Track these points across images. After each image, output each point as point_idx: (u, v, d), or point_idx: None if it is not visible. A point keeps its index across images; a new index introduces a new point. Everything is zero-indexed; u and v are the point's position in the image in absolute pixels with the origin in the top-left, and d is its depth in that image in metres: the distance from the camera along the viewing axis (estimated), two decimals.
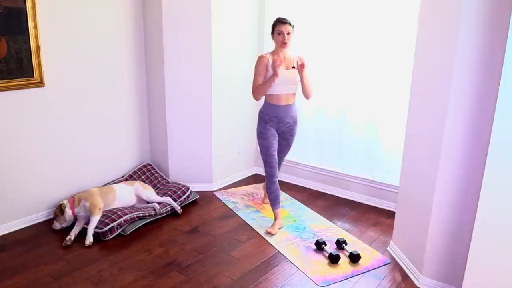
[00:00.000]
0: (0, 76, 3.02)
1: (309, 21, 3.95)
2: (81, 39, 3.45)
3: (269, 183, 3.35)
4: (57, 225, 3.25)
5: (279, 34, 3.12)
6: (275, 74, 3.04)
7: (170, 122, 3.96)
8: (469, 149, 2.35)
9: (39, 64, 3.19)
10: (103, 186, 3.66)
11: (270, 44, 4.12)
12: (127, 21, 3.76)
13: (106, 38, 3.63)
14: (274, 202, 3.38)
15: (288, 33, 3.12)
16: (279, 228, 3.37)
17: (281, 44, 3.14)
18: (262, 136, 3.28)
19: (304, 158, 4.28)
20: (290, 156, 4.29)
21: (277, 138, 3.33)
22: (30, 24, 3.09)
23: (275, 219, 3.40)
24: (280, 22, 3.13)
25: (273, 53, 3.22)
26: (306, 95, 3.30)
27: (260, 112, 3.31)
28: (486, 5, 2.15)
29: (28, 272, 2.76)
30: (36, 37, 3.14)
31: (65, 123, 3.47)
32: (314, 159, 4.23)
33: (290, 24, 3.12)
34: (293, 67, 3.19)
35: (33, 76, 3.19)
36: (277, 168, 3.37)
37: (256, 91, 3.20)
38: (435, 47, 2.50)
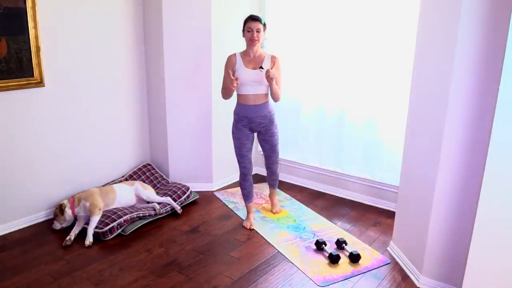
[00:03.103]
0: (0, 76, 3.02)
1: (309, 21, 3.95)
2: (81, 39, 3.45)
3: (242, 181, 3.41)
4: (57, 225, 3.25)
5: (248, 31, 3.07)
6: (229, 86, 3.08)
7: (170, 122, 3.96)
8: (469, 149, 2.35)
9: (39, 64, 3.19)
10: (103, 186, 3.66)
11: (269, 44, 4.15)
12: (127, 20, 3.76)
13: (106, 38, 3.63)
14: (246, 197, 3.47)
15: (258, 31, 3.06)
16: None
17: (250, 41, 3.08)
18: (234, 136, 3.30)
19: (304, 158, 4.28)
20: (290, 156, 4.30)
21: (251, 140, 3.32)
22: (30, 24, 3.09)
23: (248, 212, 3.48)
24: (250, 19, 3.08)
25: (243, 52, 3.18)
26: (273, 98, 3.23)
27: (233, 111, 3.30)
28: (486, 5, 2.15)
29: (28, 272, 2.76)
30: (36, 37, 3.14)
31: (65, 123, 3.47)
32: (314, 159, 4.23)
33: (261, 22, 3.07)
34: (261, 67, 3.09)
35: (33, 76, 3.19)
36: (251, 168, 3.39)
37: (221, 93, 3.26)
38: (435, 46, 2.50)
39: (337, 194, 4.09)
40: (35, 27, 3.12)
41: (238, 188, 4.18)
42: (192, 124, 3.99)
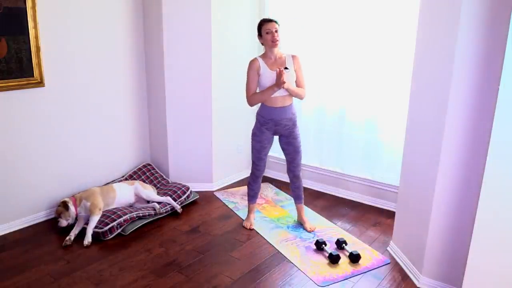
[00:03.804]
0: (0, 76, 3.02)
1: (309, 20, 3.95)
2: (81, 39, 3.45)
3: (253, 182, 3.38)
4: (63, 222, 3.19)
5: (267, 33, 3.01)
6: (277, 85, 2.97)
7: (170, 122, 3.96)
8: (469, 149, 2.35)
9: (39, 64, 3.19)
10: (103, 185, 3.66)
11: None
12: (127, 21, 3.76)
13: (106, 38, 3.63)
14: (252, 198, 3.44)
15: (276, 31, 3.01)
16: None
17: (271, 43, 3.02)
18: (255, 138, 3.21)
19: (304, 158, 4.22)
20: None
21: (271, 143, 3.26)
22: (30, 24, 3.09)
23: (250, 212, 3.46)
24: (265, 21, 3.04)
25: (263, 55, 3.11)
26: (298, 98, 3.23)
27: (257, 114, 3.22)
28: (486, 5, 2.15)
29: (28, 272, 2.76)
30: (36, 37, 3.14)
31: (65, 123, 3.47)
32: (314, 159, 4.23)
33: (276, 22, 3.03)
34: (286, 68, 3.04)
35: (33, 76, 3.19)
36: (263, 171, 3.35)
37: (252, 99, 3.13)
38: (435, 46, 2.50)
39: (337, 194, 4.09)
40: (35, 27, 3.12)
41: (238, 188, 4.19)
42: (192, 124, 3.99)
